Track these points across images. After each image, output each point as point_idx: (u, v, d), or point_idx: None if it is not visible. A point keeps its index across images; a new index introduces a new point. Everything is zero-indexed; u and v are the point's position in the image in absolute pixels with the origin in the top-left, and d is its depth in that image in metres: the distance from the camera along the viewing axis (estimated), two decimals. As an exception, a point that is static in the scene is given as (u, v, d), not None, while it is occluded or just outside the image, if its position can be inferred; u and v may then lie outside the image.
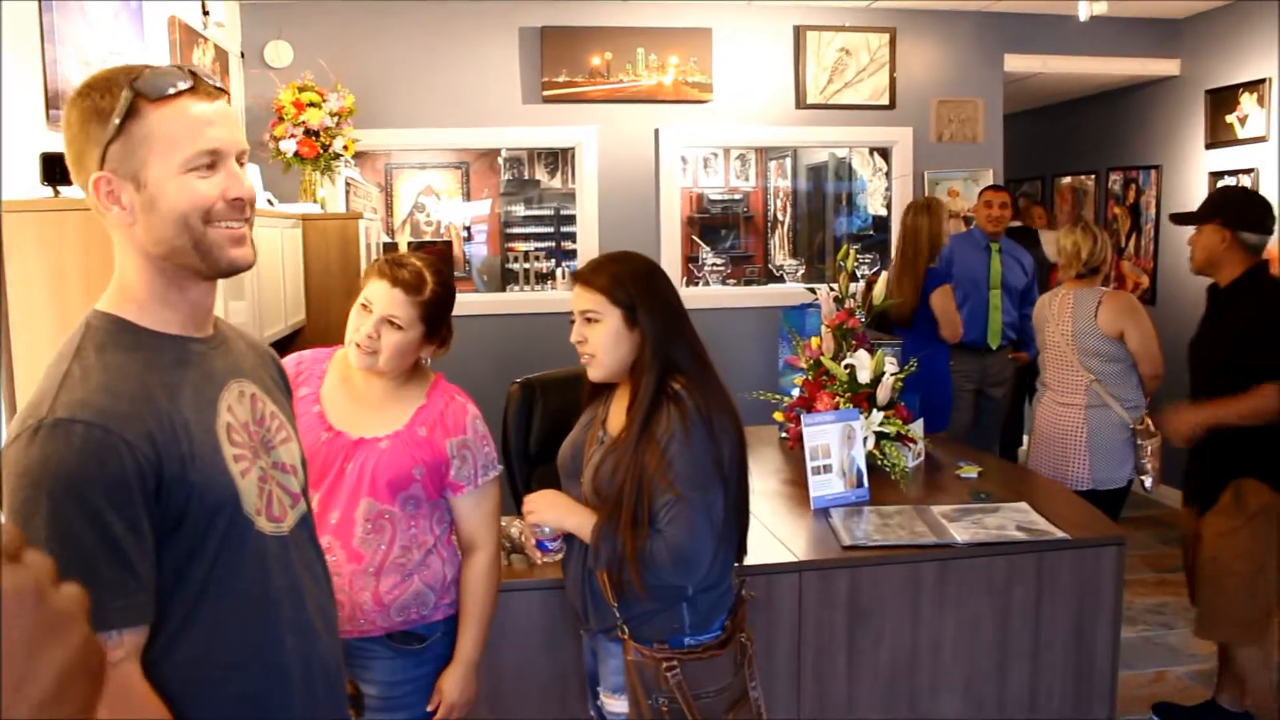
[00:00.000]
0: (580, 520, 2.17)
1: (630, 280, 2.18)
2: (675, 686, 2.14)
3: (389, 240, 7.76)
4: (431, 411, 2.25)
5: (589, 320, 2.19)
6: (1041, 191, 8.11)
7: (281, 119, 4.52)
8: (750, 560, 2.40)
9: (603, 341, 2.18)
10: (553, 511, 2.23)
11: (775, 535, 2.93)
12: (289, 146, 4.48)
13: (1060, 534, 2.89)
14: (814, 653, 2.76)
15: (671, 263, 5.92)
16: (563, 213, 9.09)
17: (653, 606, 2.16)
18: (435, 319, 2.24)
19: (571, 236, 7.84)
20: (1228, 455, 3.40)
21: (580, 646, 2.47)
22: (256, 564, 1.37)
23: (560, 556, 2.30)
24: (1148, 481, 4.00)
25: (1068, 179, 7.81)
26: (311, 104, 4.53)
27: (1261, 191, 5.78)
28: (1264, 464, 3.31)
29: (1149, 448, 3.95)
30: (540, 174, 9.47)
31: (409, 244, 7.00)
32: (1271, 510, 3.29)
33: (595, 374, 2.23)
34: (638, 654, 2.16)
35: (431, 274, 2.24)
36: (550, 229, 9.37)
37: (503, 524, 2.79)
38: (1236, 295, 3.43)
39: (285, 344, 3.80)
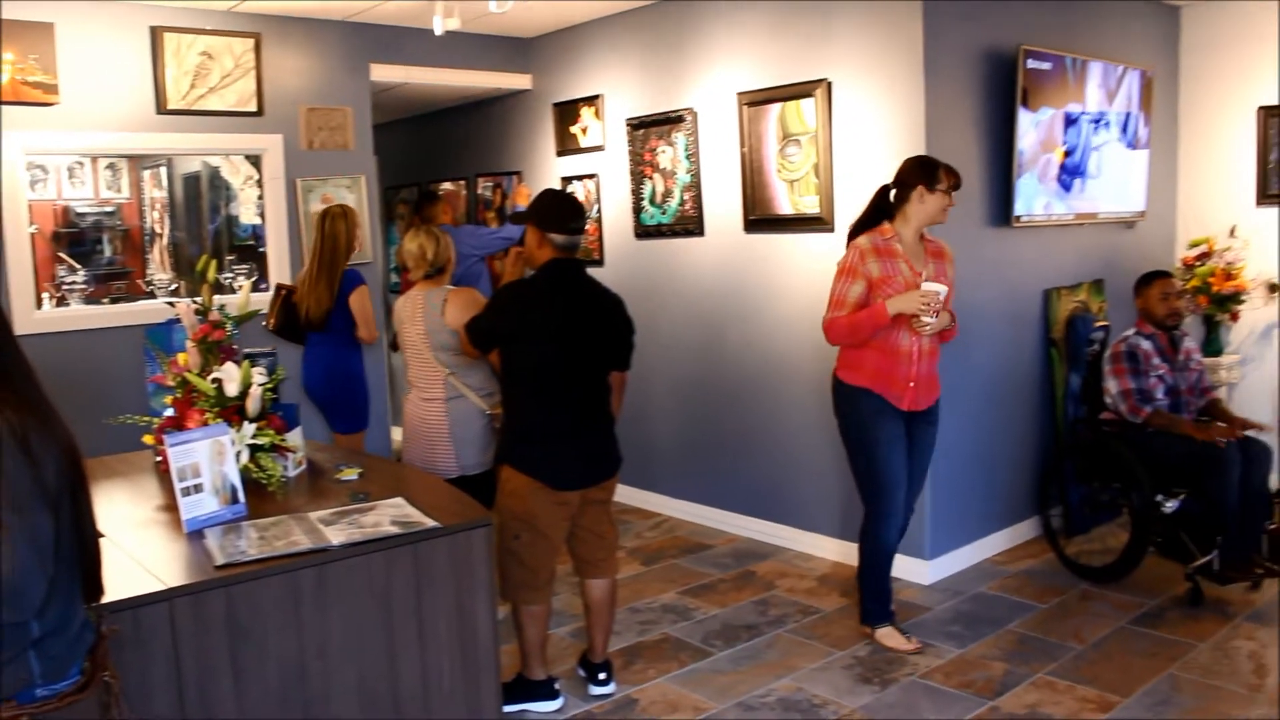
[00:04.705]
0: None
1: None
2: None
3: None
4: None
5: None
6: (418, 196, 8.45)
7: None
8: (114, 596, 2.26)
9: None
10: None
11: (143, 565, 2.77)
12: None
13: (433, 523, 3.04)
14: (196, 681, 2.65)
15: (23, 282, 5.33)
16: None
17: (-4, 660, 1.96)
18: None
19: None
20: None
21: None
22: None
23: None
24: None
25: (447, 184, 8.21)
26: None
27: (601, 193, 6.51)
28: (509, 452, 3.88)
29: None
30: None
31: None
32: (522, 489, 3.80)
33: None
34: None
35: None
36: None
37: None
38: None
39: None
